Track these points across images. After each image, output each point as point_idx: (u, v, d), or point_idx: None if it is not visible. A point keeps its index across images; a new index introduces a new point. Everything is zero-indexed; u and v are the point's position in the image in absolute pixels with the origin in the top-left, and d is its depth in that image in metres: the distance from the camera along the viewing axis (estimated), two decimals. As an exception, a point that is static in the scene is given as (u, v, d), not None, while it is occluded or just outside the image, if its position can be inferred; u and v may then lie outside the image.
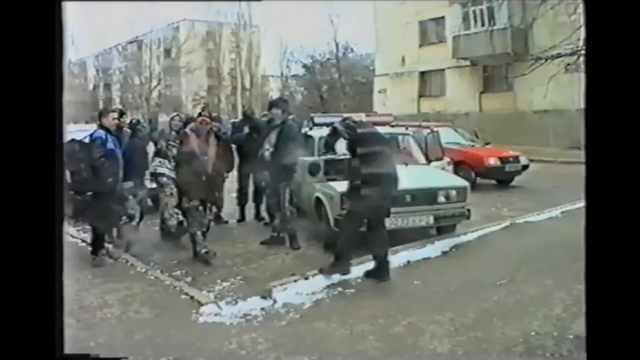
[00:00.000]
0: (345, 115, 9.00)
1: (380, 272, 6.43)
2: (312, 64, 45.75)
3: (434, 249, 7.51)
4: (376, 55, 33.10)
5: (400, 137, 9.19)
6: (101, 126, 7.35)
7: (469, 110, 24.78)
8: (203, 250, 7.52)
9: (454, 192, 7.88)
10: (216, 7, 50.76)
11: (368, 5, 32.47)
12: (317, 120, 9.39)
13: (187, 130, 7.72)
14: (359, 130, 6.54)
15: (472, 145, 14.42)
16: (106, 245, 7.53)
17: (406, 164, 8.27)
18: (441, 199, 7.81)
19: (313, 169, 7.44)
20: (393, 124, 9.79)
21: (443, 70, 28.48)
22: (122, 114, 8.41)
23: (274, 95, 57.22)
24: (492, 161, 13.53)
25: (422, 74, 29.72)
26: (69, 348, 4.78)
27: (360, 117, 9.60)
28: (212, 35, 54.47)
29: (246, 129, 9.75)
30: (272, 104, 8.48)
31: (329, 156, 7.14)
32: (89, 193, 7.33)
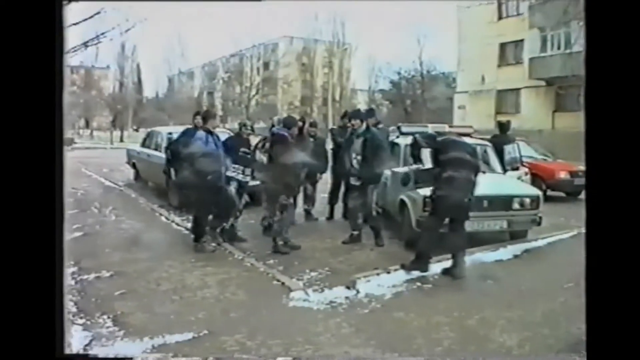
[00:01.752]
0: (431, 126, 9.04)
1: (456, 270, 6.40)
2: (398, 79, 45.81)
3: (507, 252, 7.40)
4: (458, 73, 32.91)
5: (479, 147, 9.05)
6: (203, 127, 7.66)
7: (542, 128, 24.18)
8: (281, 243, 7.69)
9: (527, 200, 7.74)
10: (312, 25, 51.64)
11: (453, 27, 32.18)
12: (404, 129, 9.38)
13: (285, 133, 7.86)
14: (439, 139, 6.56)
15: (544, 159, 14.10)
16: (207, 234, 7.75)
17: (484, 172, 8.17)
18: (515, 205, 7.69)
19: (405, 180, 7.44)
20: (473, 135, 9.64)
21: (519, 89, 28.18)
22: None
23: (362, 107, 57.49)
24: (562, 174, 13.30)
25: (500, 92, 29.39)
26: (172, 321, 5.05)
27: (443, 127, 9.56)
28: (307, 51, 55.30)
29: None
30: (351, 115, 8.61)
31: (418, 166, 7.09)
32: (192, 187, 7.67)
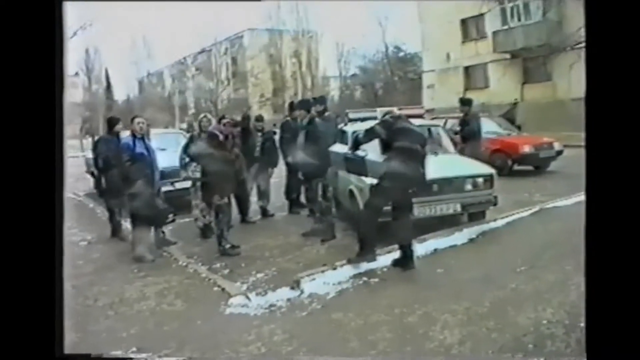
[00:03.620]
0: (380, 109, 8.72)
1: (405, 261, 6.11)
2: (364, 64, 45.52)
3: (462, 236, 7.10)
4: (423, 52, 32.64)
5: (431, 128, 8.77)
6: (131, 132, 7.33)
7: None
8: (227, 246, 7.39)
9: (480, 180, 7.46)
10: (276, 15, 50.99)
11: (412, 6, 31.90)
12: (351, 115, 9.12)
13: (214, 130, 7.53)
14: (394, 127, 6.19)
15: (509, 134, 13.84)
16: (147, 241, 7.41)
17: (436, 153, 7.90)
18: (468, 186, 7.41)
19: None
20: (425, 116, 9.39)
21: (486, 64, 27.97)
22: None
23: (335, 94, 57.24)
24: (527, 148, 13.07)
25: (467, 68, 29.22)
26: (105, 339, 4.76)
27: (393, 110, 9.26)
28: (273, 42, 54.51)
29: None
30: (294, 106, 8.29)
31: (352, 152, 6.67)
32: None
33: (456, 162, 7.98)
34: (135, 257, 7.19)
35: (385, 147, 6.15)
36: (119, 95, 63.84)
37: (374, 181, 6.39)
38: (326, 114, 9.03)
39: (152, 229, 7.61)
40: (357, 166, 6.36)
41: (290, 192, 10.10)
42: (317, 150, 7.32)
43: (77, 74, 57.13)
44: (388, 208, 6.18)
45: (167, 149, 10.44)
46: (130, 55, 64.60)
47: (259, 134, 9.91)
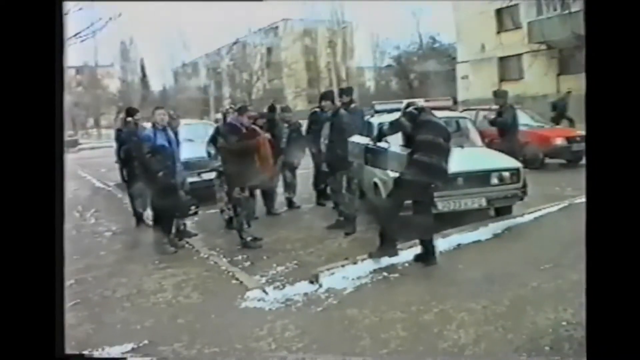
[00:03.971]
0: (406, 101, 8.53)
1: (426, 257, 5.98)
2: (398, 55, 45.05)
3: (487, 231, 6.93)
4: (457, 43, 32.04)
5: (458, 121, 8.57)
6: (153, 124, 7.31)
7: (547, 92, 23.35)
8: (249, 239, 7.33)
9: (506, 174, 7.25)
10: (311, 6, 50.98)
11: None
12: (377, 107, 8.91)
13: (235, 122, 7.45)
14: (419, 119, 6.03)
15: (541, 126, 13.46)
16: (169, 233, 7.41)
17: (462, 147, 7.72)
18: (494, 180, 7.21)
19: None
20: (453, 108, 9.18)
21: (520, 55, 27.21)
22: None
23: (371, 85, 56.97)
24: (559, 141, 12.68)
25: (501, 59, 28.48)
26: (119, 331, 4.77)
27: (419, 101, 9.08)
28: (308, 33, 54.47)
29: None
30: (321, 96, 8.16)
31: (374, 144, 6.51)
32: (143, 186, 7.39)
33: (483, 156, 7.78)
34: (157, 249, 7.20)
35: (408, 139, 6.00)
36: (155, 85, 64.51)
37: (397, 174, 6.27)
38: (352, 105, 8.91)
39: (175, 220, 7.59)
40: (379, 158, 6.23)
41: (318, 183, 9.97)
42: (342, 142, 7.18)
43: (112, 64, 58.05)
44: (410, 202, 6.05)
45: (195, 140, 10.43)
46: (166, 46, 64.93)
47: (286, 125, 9.83)
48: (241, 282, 5.83)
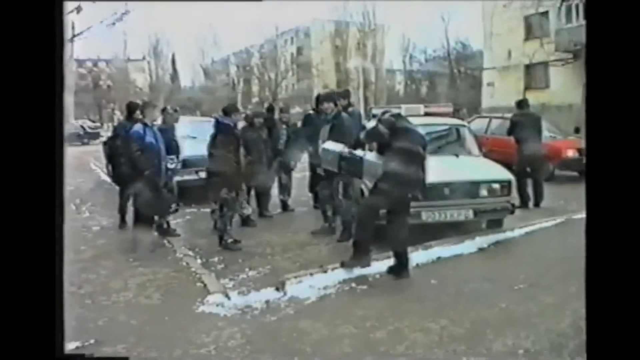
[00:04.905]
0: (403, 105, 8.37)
1: (399, 269, 5.79)
2: (425, 59, 44.79)
3: (472, 245, 6.72)
4: (484, 49, 31.59)
5: (458, 128, 8.33)
6: (140, 120, 7.22)
7: (572, 102, 22.82)
8: (229, 240, 7.22)
9: (496, 186, 7.02)
10: (342, 7, 50.88)
11: (477, 2, 30.92)
12: (374, 111, 8.76)
13: (226, 121, 7.35)
14: (396, 127, 5.83)
15: (553, 137, 13.07)
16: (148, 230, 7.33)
17: (457, 155, 7.52)
18: (483, 192, 6.98)
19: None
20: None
21: (547, 63, 26.54)
22: (167, 112, 8.31)
23: (401, 89, 56.66)
24: (570, 153, 12.37)
25: (527, 67, 27.91)
26: (71, 328, 4.69)
27: (419, 108, 8.90)
28: (339, 34, 54.47)
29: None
30: (322, 99, 7.95)
31: (349, 152, 6.30)
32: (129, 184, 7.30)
33: (475, 166, 7.54)
34: (134, 247, 7.13)
35: (384, 147, 5.80)
36: (184, 81, 65.09)
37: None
38: (350, 108, 8.76)
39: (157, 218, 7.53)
40: (353, 166, 6.05)
41: (314, 186, 9.81)
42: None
43: (144, 58, 58.77)
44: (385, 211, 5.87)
45: (197, 137, 10.36)
46: (197, 42, 65.36)
47: (284, 126, 9.72)
48: (205, 285, 5.70)
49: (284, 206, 9.79)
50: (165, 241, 7.53)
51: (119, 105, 54.51)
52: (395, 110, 6.61)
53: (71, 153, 19.84)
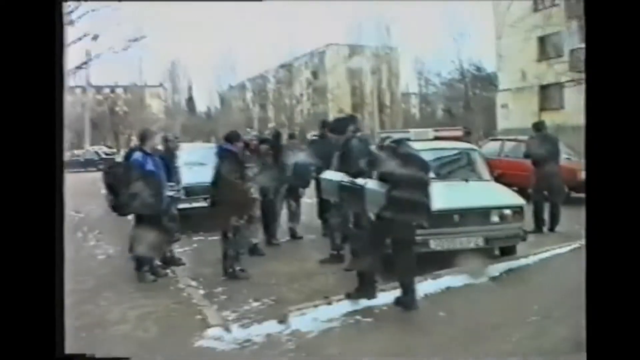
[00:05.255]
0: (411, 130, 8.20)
1: (406, 300, 5.56)
2: (440, 82, 44.61)
3: (483, 273, 6.46)
4: (498, 71, 31.40)
5: (468, 153, 8.11)
6: (141, 149, 7.11)
7: (588, 123, 22.55)
8: (237, 269, 7.05)
9: (508, 212, 6.77)
10: (357, 31, 51.09)
11: (489, 24, 30.85)
12: (383, 136, 8.56)
13: (229, 147, 7.24)
14: (398, 152, 5.66)
15: (568, 159, 12.76)
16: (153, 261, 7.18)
17: (467, 180, 7.31)
18: (494, 218, 6.74)
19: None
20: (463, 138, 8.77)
21: (562, 84, 26.24)
22: (167, 140, 8.17)
23: (417, 112, 56.50)
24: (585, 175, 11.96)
25: (542, 87, 27.69)
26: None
27: (427, 132, 8.72)
28: (354, 57, 54.61)
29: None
30: (330, 126, 7.79)
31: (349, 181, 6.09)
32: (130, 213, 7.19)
33: (485, 191, 7.31)
34: (137, 277, 6.99)
35: (386, 175, 5.61)
36: (200, 106, 65.51)
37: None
38: (358, 134, 8.59)
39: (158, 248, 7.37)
40: (354, 196, 5.82)
41: (323, 213, 9.65)
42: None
43: (160, 85, 59.34)
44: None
45: (207, 164, 10.23)
46: (213, 68, 65.87)
47: (291, 152, 9.58)
48: (204, 318, 5.53)
49: (292, 234, 9.61)
50: (169, 270, 7.36)
51: (137, 132, 55.05)
52: (397, 136, 6.46)
53: (84, 179, 19.85)
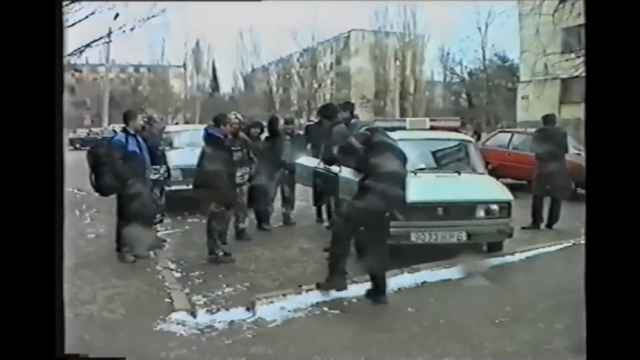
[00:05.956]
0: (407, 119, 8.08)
1: (376, 293, 5.47)
2: (461, 71, 43.96)
3: (463, 269, 6.33)
4: (520, 61, 30.84)
5: (460, 144, 7.93)
6: (124, 129, 7.08)
7: (610, 118, 22.08)
8: (220, 254, 7.01)
9: (494, 207, 6.62)
10: (382, 16, 50.67)
11: (513, 14, 30.19)
12: (378, 124, 8.42)
13: (213, 131, 7.18)
14: (372, 141, 5.53)
15: (578, 154, 12.42)
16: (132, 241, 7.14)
17: (458, 173, 7.16)
18: (480, 213, 6.59)
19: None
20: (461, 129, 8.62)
21: (584, 76, 25.47)
22: (151, 120, 8.07)
23: (440, 101, 56.01)
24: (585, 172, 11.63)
25: (564, 80, 27.00)
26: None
27: (424, 121, 8.57)
28: (379, 44, 54.18)
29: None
30: (319, 111, 7.69)
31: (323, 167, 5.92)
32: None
33: (474, 184, 7.13)
34: (119, 258, 7.00)
35: (359, 163, 5.49)
36: (225, 88, 65.55)
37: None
38: (353, 121, 8.48)
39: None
40: (328, 183, 5.74)
41: (317, 199, 9.58)
42: None
43: (184, 64, 59.37)
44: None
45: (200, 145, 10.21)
46: (236, 50, 65.46)
47: (288, 137, 9.50)
48: (172, 301, 5.50)
49: (286, 220, 9.56)
50: (152, 252, 7.34)
51: (157, 110, 55.14)
52: (374, 125, 6.34)
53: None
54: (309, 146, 9.43)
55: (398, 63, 52.27)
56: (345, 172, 5.53)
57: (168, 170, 8.17)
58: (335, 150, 5.70)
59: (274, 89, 63.23)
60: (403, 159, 5.46)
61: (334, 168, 5.65)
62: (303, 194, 9.92)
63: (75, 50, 11.69)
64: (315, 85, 55.83)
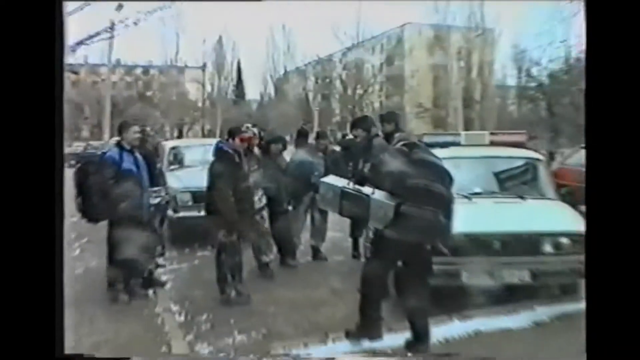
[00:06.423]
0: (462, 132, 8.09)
1: (417, 344, 5.47)
2: (538, 73, 43.21)
3: (531, 316, 6.32)
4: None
5: (526, 163, 7.89)
6: (118, 143, 7.21)
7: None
8: (233, 294, 7.11)
9: (565, 240, 6.52)
10: (444, 8, 50.62)
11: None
12: (426, 139, 8.45)
13: (224, 147, 7.30)
14: (411, 158, 5.56)
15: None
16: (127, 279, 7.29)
17: (523, 198, 7.13)
18: (546, 248, 6.53)
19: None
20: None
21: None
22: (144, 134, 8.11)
23: (514, 110, 55.47)
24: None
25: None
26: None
27: (483, 135, 8.57)
28: (439, 40, 54.17)
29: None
30: (353, 124, 7.76)
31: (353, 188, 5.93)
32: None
33: (542, 212, 7.08)
34: (110, 297, 7.13)
35: (395, 185, 5.49)
36: (252, 94, 66.05)
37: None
38: (396, 134, 8.51)
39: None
40: (357, 206, 5.70)
41: (354, 230, 9.60)
42: None
43: (204, 65, 60.16)
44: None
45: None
46: (265, 49, 65.73)
47: (320, 154, 9.56)
48: (169, 350, 5.61)
49: (315, 254, 9.60)
50: (147, 292, 7.46)
51: (170, 120, 55.69)
52: (414, 139, 6.34)
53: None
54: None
55: (462, 64, 52.09)
56: (380, 195, 5.53)
57: (168, 193, 8.28)
58: (367, 168, 5.73)
59: (311, 95, 63.58)
60: (448, 180, 5.46)
61: (366, 189, 5.64)
62: (339, 223, 9.94)
63: (71, 46, 11.98)
64: (361, 91, 55.96)
